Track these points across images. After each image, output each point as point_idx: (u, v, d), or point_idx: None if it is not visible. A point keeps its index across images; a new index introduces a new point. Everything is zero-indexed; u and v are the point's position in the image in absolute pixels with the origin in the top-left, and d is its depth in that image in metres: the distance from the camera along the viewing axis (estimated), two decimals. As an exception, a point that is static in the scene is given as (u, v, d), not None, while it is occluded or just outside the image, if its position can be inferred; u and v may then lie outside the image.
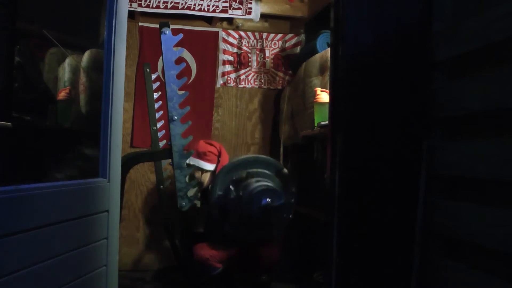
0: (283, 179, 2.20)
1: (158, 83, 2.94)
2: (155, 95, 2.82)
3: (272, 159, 2.29)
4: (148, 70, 2.79)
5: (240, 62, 3.36)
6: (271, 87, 3.43)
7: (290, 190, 2.20)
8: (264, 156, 2.33)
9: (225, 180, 2.11)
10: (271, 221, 1.95)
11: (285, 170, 2.24)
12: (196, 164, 2.56)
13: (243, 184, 2.02)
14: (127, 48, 2.48)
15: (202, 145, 2.61)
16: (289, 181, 2.23)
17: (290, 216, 2.12)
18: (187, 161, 2.57)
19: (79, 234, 1.41)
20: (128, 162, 2.30)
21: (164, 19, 2.94)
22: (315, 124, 2.49)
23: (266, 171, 2.16)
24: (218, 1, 3.17)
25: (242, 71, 3.37)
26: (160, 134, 2.77)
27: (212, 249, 2.27)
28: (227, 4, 3.16)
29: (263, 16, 3.27)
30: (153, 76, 2.82)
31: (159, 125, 2.78)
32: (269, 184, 2.02)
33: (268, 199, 1.89)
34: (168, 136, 2.25)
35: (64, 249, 1.33)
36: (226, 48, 3.34)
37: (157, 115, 2.78)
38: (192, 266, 2.30)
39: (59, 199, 1.31)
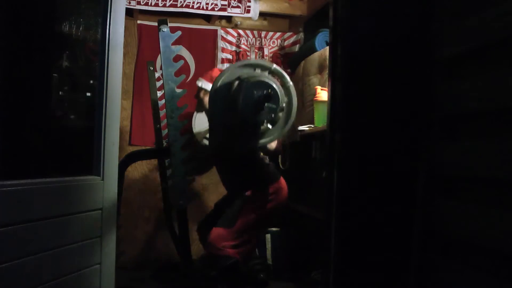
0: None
1: (161, 81, 2.94)
2: (159, 93, 2.81)
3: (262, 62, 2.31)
4: (152, 68, 2.79)
5: (238, 61, 3.34)
6: (270, 86, 3.41)
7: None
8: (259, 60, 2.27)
9: (232, 75, 2.05)
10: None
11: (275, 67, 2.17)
12: (208, 88, 2.53)
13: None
14: (126, 45, 2.47)
15: (216, 71, 2.57)
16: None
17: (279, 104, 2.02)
18: (199, 84, 2.57)
19: (67, 231, 1.41)
20: (126, 160, 2.30)
21: (163, 17, 2.91)
22: (315, 123, 2.48)
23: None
24: (217, -1, 3.16)
25: (241, 69, 3.35)
26: (164, 132, 2.76)
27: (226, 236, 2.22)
28: (226, 2, 3.14)
29: (262, 15, 3.25)
30: (157, 75, 2.82)
31: (163, 123, 2.76)
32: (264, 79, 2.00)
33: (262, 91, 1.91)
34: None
35: (48, 245, 1.32)
36: (224, 46, 3.33)
37: (161, 113, 2.77)
38: (191, 264, 2.28)
39: (43, 195, 1.31)
